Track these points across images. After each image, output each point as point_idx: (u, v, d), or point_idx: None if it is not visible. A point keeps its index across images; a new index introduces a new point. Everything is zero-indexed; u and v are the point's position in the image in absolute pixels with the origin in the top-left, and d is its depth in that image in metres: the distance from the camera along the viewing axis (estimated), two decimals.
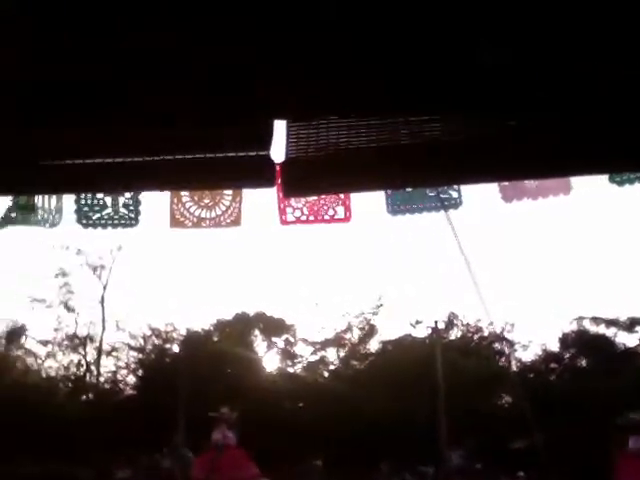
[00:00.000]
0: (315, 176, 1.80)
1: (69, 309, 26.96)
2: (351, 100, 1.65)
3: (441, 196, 2.21)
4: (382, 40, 1.55)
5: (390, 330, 26.78)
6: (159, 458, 19.34)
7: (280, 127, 1.75)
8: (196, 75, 1.53)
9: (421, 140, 1.82)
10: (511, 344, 25.75)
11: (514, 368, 25.29)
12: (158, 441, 21.80)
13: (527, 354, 25.80)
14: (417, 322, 26.07)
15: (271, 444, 21.29)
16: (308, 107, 1.67)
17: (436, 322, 24.75)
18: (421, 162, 1.84)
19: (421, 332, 25.91)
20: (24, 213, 2.28)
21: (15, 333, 26.74)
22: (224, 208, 2.28)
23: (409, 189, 2.20)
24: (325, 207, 2.22)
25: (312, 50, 1.55)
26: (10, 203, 2.31)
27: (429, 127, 1.83)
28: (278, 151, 1.76)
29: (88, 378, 27.05)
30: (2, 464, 19.15)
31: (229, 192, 2.25)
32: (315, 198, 2.21)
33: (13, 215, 2.28)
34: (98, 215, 2.20)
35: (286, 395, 24.69)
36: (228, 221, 2.28)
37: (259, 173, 1.66)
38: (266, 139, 1.64)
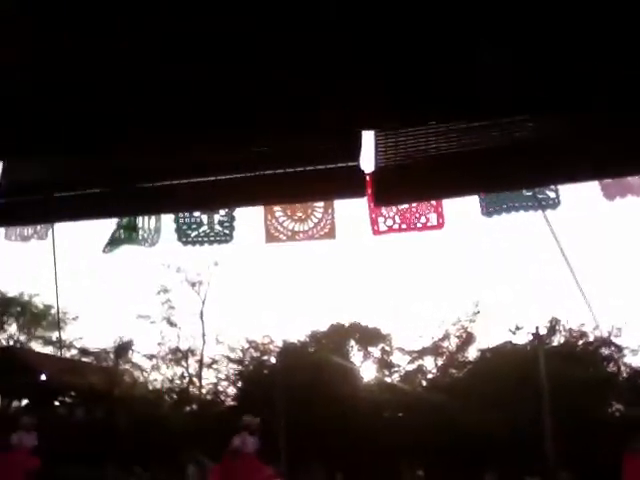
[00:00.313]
0: (405, 184, 1.78)
1: (171, 324, 28.05)
2: (438, 106, 1.63)
3: (538, 196, 2.13)
4: (464, 44, 1.52)
5: (488, 337, 26.11)
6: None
7: (368, 137, 1.75)
8: (284, 90, 1.55)
9: (511, 141, 1.77)
10: (619, 349, 24.45)
11: (624, 374, 24.00)
12: (260, 450, 22.18)
13: (637, 359, 24.46)
14: (517, 328, 25.25)
15: (371, 455, 21.20)
16: (395, 116, 1.66)
17: (537, 328, 23.88)
18: (513, 163, 1.79)
19: (521, 339, 25.09)
20: (127, 233, 2.39)
21: (123, 348, 28.04)
22: (316, 220, 2.29)
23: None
24: (417, 215, 2.19)
25: (396, 60, 1.54)
26: (115, 226, 2.43)
27: (519, 128, 1.78)
28: (367, 161, 1.76)
29: (191, 390, 27.92)
30: (119, 472, 20.08)
31: (320, 204, 2.27)
32: (407, 206, 2.19)
33: (117, 235, 2.39)
34: (195, 233, 2.28)
35: (385, 405, 24.51)
36: (321, 233, 2.30)
37: (350, 184, 1.66)
38: (355, 150, 1.64)
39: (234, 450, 11.85)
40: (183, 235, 2.29)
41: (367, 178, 1.76)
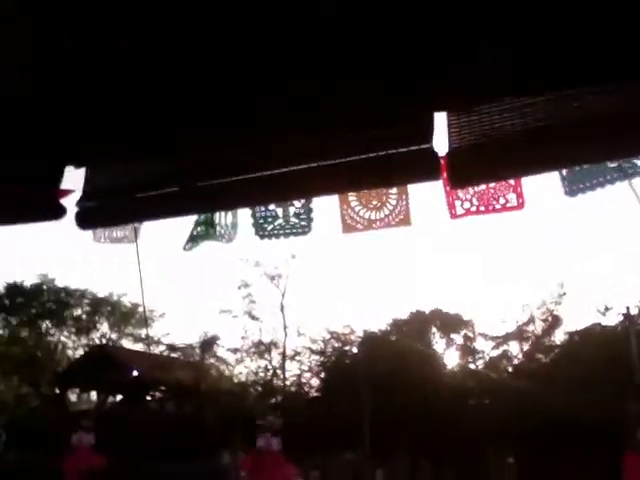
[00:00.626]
0: (481, 164, 1.73)
1: (253, 318, 28.59)
2: (511, 82, 1.57)
3: (623, 165, 2.02)
4: (533, 21, 1.46)
5: (576, 320, 25.27)
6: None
7: (440, 119, 1.71)
8: (355, 76, 1.54)
9: (589, 114, 1.69)
10: None
11: None
12: (345, 439, 22.35)
13: None
14: (606, 309, 24.33)
15: (456, 443, 20.96)
16: (467, 96, 1.62)
17: (627, 308, 22.91)
18: (594, 136, 1.71)
19: (611, 320, 24.14)
20: (205, 230, 2.44)
21: (208, 343, 28.82)
22: (391, 207, 2.27)
23: (586, 165, 2.05)
24: (496, 196, 2.13)
25: (463, 39, 1.50)
26: (193, 224, 2.48)
27: (596, 99, 1.69)
28: (441, 143, 1.72)
29: (275, 382, 28.41)
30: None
31: (394, 191, 2.24)
32: (484, 187, 2.13)
33: (196, 233, 2.44)
34: (271, 226, 2.30)
35: (469, 392, 24.18)
36: (397, 220, 2.27)
37: (424, 167, 1.63)
38: (428, 132, 1.61)
39: (259, 449, 13.05)
40: (260, 229, 2.31)
41: (441, 161, 1.73)
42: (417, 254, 43.51)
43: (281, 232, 2.31)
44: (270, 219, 2.30)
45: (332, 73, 1.61)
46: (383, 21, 1.48)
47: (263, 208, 2.29)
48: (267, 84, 1.59)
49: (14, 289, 34.50)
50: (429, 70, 1.53)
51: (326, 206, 2.34)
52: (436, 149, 1.65)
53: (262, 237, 2.32)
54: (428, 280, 38.49)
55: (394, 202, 2.27)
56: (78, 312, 35.48)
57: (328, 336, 27.52)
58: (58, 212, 1.89)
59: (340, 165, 1.70)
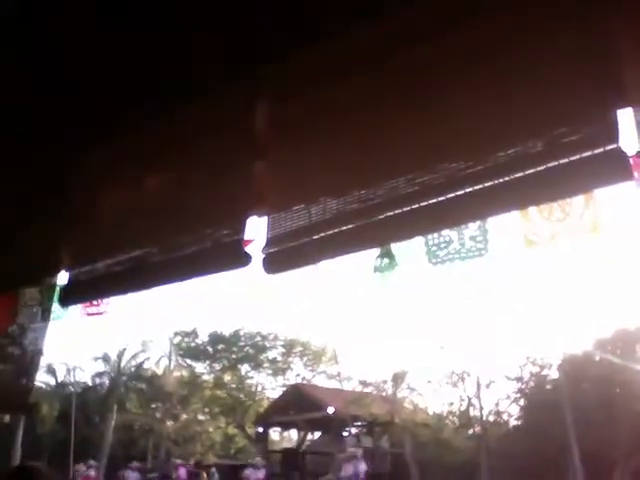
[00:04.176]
0: None
1: (442, 347, 28.11)
2: None
3: None
4: None
5: None
6: None
7: (625, 115, 1.58)
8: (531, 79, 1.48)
9: None
10: None
11: None
12: (553, 468, 20.98)
13: None
14: None
15: None
16: None
17: None
18: None
19: None
20: (386, 261, 2.45)
21: (400, 376, 28.80)
22: (577, 217, 2.12)
23: None
24: None
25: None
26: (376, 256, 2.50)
27: None
28: (629, 141, 1.57)
29: (471, 412, 27.56)
30: None
31: (579, 199, 2.09)
32: None
33: (378, 265, 2.46)
34: (445, 251, 2.25)
35: None
36: (584, 230, 2.12)
37: (612, 169, 1.50)
38: (614, 131, 1.48)
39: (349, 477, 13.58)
40: (432, 256, 2.27)
41: (630, 160, 1.58)
42: (608, 265, 40.15)
43: (456, 256, 2.24)
44: (444, 244, 2.25)
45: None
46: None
47: (436, 235, 2.25)
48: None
49: (215, 337, 37.19)
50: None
51: (503, 224, 2.25)
52: (624, 148, 1.52)
53: (435, 264, 2.27)
54: (627, 294, 35.34)
55: (580, 211, 2.12)
56: (273, 354, 37.30)
57: (524, 361, 26.25)
58: (246, 260, 2.00)
59: (521, 179, 1.62)
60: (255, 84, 1.96)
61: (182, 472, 24.93)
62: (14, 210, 2.49)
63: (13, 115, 2.04)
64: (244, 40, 1.85)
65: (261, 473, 20.71)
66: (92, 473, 24.52)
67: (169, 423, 33.92)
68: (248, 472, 21.11)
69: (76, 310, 3.20)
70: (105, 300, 3.18)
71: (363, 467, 15.00)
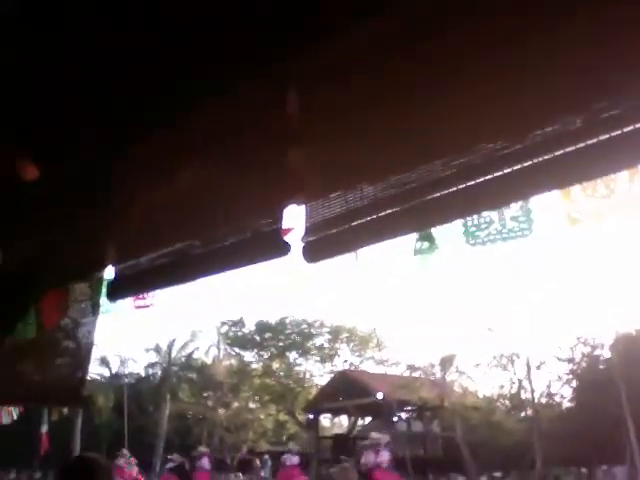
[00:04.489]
0: None
1: (490, 329, 27.81)
2: None
3: None
4: None
5: None
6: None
7: None
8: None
9: None
10: None
11: None
12: (609, 449, 20.61)
13: None
14: None
15: None
16: None
17: None
18: None
19: None
20: (426, 243, 2.43)
21: (448, 359, 28.62)
22: (622, 194, 2.06)
23: None
24: None
25: None
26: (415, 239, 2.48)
27: None
28: None
29: (523, 394, 27.24)
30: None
31: (624, 174, 2.03)
32: None
33: (418, 247, 2.43)
34: (486, 232, 2.21)
35: None
36: (630, 207, 2.06)
37: None
38: None
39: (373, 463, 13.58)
40: (471, 237, 2.23)
41: None
42: None
43: (497, 237, 2.20)
44: (484, 225, 2.21)
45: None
46: None
47: (475, 216, 2.22)
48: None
49: (262, 326, 37.57)
50: None
51: (544, 203, 2.20)
52: None
53: (474, 245, 2.24)
54: None
55: (625, 187, 2.06)
56: (320, 341, 37.49)
57: (575, 342, 25.77)
58: (285, 249, 2.02)
59: (561, 157, 1.59)
60: (287, 73, 1.97)
61: (205, 461, 22.83)
62: (62, 210, 2.56)
63: (62, 115, 2.10)
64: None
65: (296, 458, 21.25)
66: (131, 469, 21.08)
67: (221, 411, 34.50)
68: (285, 457, 21.65)
69: (125, 303, 3.28)
70: (152, 293, 3.25)
71: (386, 455, 14.74)
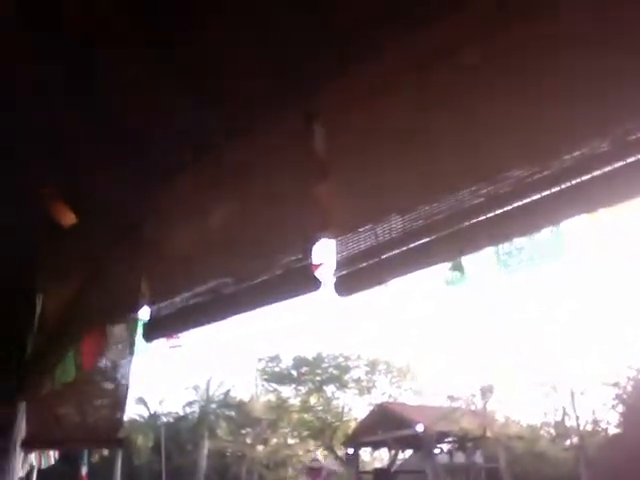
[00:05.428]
0: None
1: (527, 356, 27.26)
2: None
3: None
4: None
5: None
6: None
7: None
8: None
9: None
10: None
11: None
12: None
13: None
14: None
15: None
16: None
17: None
18: None
19: None
20: (457, 273, 2.42)
21: (488, 388, 28.10)
22: None
23: None
24: None
25: None
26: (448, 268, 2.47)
27: None
28: None
29: (567, 422, 26.52)
30: None
31: None
32: None
33: (450, 278, 2.43)
34: (517, 259, 2.20)
35: None
36: None
37: None
38: None
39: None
40: (504, 265, 2.22)
41: None
42: None
43: (529, 263, 2.19)
44: (515, 252, 2.20)
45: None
46: None
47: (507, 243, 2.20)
48: None
49: (299, 361, 37.41)
50: None
51: (573, 226, 2.18)
52: None
53: (508, 272, 2.22)
54: None
55: None
56: (357, 374, 37.15)
57: (619, 366, 25.08)
58: (316, 284, 2.03)
59: (591, 180, 1.58)
60: (315, 106, 2.00)
61: None
62: (97, 253, 2.62)
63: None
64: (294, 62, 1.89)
65: None
66: None
67: (259, 448, 34.23)
68: None
69: (159, 343, 3.31)
70: (185, 333, 3.28)
71: None
